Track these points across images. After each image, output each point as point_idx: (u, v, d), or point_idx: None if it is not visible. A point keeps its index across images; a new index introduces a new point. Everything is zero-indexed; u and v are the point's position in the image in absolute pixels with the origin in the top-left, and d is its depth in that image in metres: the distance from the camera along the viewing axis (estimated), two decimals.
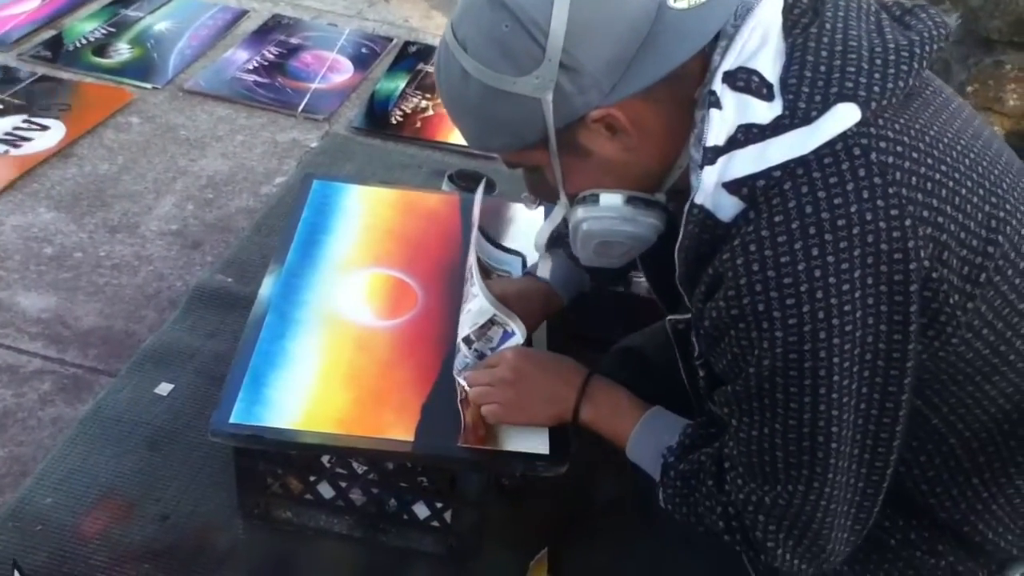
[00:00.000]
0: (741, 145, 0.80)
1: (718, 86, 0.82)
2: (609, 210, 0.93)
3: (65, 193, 1.97)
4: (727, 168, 0.81)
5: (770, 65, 0.82)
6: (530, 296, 1.27)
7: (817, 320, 0.77)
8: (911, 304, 0.78)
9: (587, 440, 1.21)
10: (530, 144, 0.91)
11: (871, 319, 0.78)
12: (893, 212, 0.77)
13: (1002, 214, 0.83)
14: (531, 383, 1.15)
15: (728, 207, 0.82)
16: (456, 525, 1.27)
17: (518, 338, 1.18)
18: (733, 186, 0.81)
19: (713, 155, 0.81)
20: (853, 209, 0.77)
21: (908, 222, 0.77)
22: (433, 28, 2.89)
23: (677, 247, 0.88)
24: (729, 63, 0.83)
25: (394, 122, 2.37)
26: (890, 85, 0.80)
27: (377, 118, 2.38)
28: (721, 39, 0.84)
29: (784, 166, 0.79)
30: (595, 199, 0.94)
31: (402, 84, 2.53)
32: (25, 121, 2.15)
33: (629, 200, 0.93)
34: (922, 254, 0.77)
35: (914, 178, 0.79)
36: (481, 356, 1.21)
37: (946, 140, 0.82)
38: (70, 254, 1.82)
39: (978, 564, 0.97)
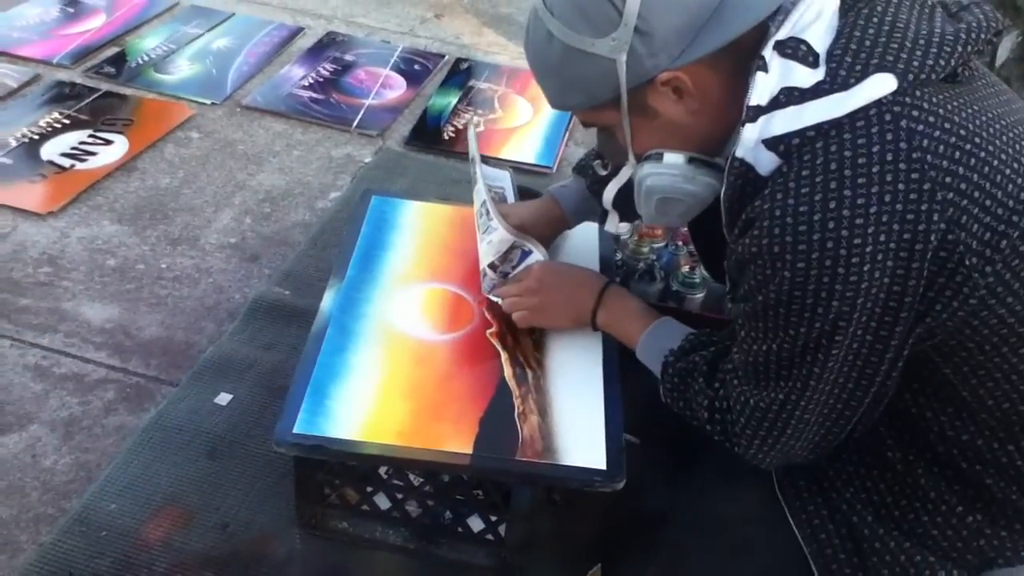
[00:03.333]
0: (782, 106, 0.87)
1: (768, 52, 0.89)
2: (672, 168, 1.01)
3: (128, 206, 2.03)
4: (767, 126, 0.88)
5: (820, 37, 0.88)
6: (541, 220, 1.42)
7: (824, 267, 0.84)
8: (916, 262, 0.84)
9: (637, 456, 1.21)
10: (603, 103, 0.99)
11: (877, 272, 0.84)
12: (914, 176, 0.83)
13: None
14: (554, 291, 1.31)
15: (766, 162, 0.89)
16: (509, 539, 1.28)
17: (536, 255, 1.34)
18: (771, 142, 0.88)
19: (755, 113, 0.88)
20: (875, 170, 0.83)
21: (927, 186, 0.83)
22: (484, 45, 2.92)
23: (721, 196, 0.96)
24: (783, 34, 0.89)
25: (446, 138, 2.39)
26: (930, 62, 0.86)
27: (429, 134, 2.41)
28: (779, 14, 0.91)
29: (818, 126, 0.85)
30: (659, 157, 1.01)
31: (454, 100, 2.56)
32: (90, 136, 2.21)
33: (691, 160, 1.00)
34: (935, 217, 0.83)
35: (941, 147, 0.84)
36: (505, 275, 1.37)
37: (983, 118, 0.87)
38: (133, 266, 1.87)
39: (1020, 537, 0.98)
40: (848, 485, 1.03)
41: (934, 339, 0.90)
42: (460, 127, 2.44)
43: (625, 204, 1.12)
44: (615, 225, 1.24)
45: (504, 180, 1.57)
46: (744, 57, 0.91)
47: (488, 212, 1.35)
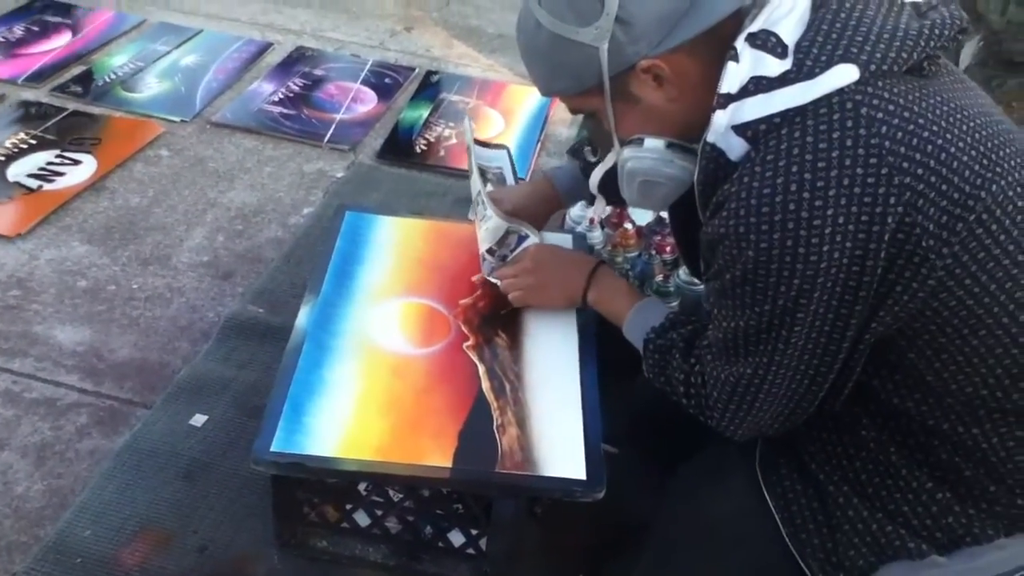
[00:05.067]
0: (751, 94, 0.92)
1: (740, 44, 0.93)
2: (651, 152, 1.06)
3: (97, 226, 2.00)
4: (737, 113, 0.92)
5: (790, 30, 0.92)
6: (535, 201, 1.48)
7: (784, 246, 0.89)
8: (873, 243, 0.87)
9: (617, 466, 1.21)
10: (588, 89, 1.03)
11: (836, 252, 0.88)
12: (872, 161, 0.87)
13: (990, 175, 0.91)
14: (548, 271, 1.37)
15: (736, 147, 0.94)
16: (491, 552, 1.27)
17: (532, 239, 1.40)
18: (740, 128, 0.93)
19: (725, 100, 0.93)
20: (835, 155, 0.87)
21: (885, 171, 0.87)
22: (455, 57, 2.92)
23: (695, 179, 1.01)
24: (756, 26, 0.93)
25: (418, 151, 2.39)
26: (892, 55, 0.90)
27: (401, 147, 2.40)
28: (755, 7, 0.95)
29: (784, 113, 0.90)
30: (640, 142, 1.06)
31: (425, 113, 2.56)
32: (58, 156, 2.19)
33: (670, 145, 1.05)
34: (892, 200, 0.87)
35: (899, 133, 0.88)
36: (504, 259, 1.42)
37: (944, 108, 0.91)
38: (104, 287, 1.84)
39: (987, 516, 1.00)
40: (825, 462, 1.06)
41: (898, 322, 0.93)
42: (432, 140, 2.44)
43: (612, 188, 1.16)
44: (602, 209, 1.28)
45: (501, 160, 1.63)
46: (721, 47, 0.95)
47: (484, 202, 1.40)
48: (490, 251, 1.42)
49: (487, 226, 1.40)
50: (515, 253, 1.41)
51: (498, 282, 1.41)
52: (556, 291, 1.37)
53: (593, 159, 1.25)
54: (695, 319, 1.17)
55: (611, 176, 1.13)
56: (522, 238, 1.40)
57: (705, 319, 1.11)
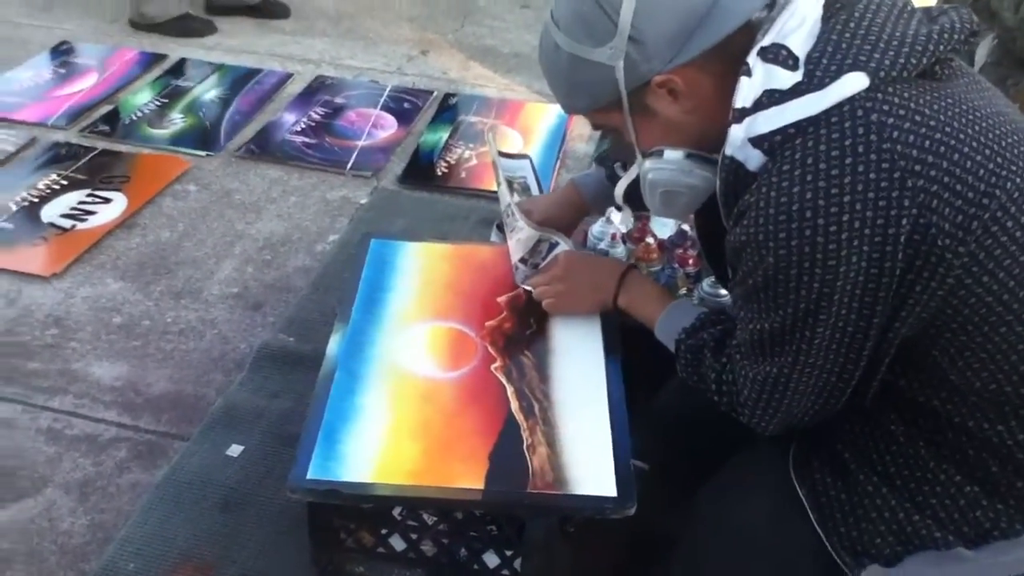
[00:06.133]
0: (765, 107, 0.94)
1: (752, 58, 0.96)
2: (671, 163, 1.10)
3: (130, 263, 2.05)
4: (752, 126, 0.95)
5: (801, 43, 0.95)
6: (563, 208, 1.53)
7: (803, 252, 0.91)
8: (889, 246, 0.89)
9: (647, 482, 1.22)
10: (607, 105, 1.08)
11: (854, 256, 0.90)
12: (884, 166, 0.89)
13: (1004, 172, 0.92)
14: (579, 277, 1.41)
15: (755, 158, 0.96)
16: (525, 573, 1.28)
17: (563, 246, 1.45)
18: (756, 141, 0.95)
19: (740, 115, 0.96)
20: (848, 162, 0.89)
21: (897, 175, 0.88)
22: (471, 79, 2.95)
23: (717, 190, 1.04)
24: (767, 40, 0.96)
25: (439, 173, 2.42)
26: (901, 61, 0.92)
27: (423, 171, 2.43)
28: (766, 23, 0.98)
29: (798, 124, 0.92)
30: (660, 153, 1.10)
31: (445, 136, 2.59)
32: (89, 195, 2.24)
33: (689, 155, 1.09)
34: (906, 203, 0.88)
35: (911, 137, 0.90)
36: (536, 267, 1.47)
37: (956, 110, 0.93)
38: (138, 322, 1.88)
39: (1015, 511, 1.01)
40: (857, 454, 1.07)
41: (921, 322, 0.94)
42: (452, 162, 2.46)
43: (636, 197, 1.19)
44: (629, 220, 1.33)
45: (525, 169, 1.71)
46: (733, 60, 0.98)
47: (514, 213, 1.45)
48: (523, 260, 1.47)
49: (519, 237, 1.45)
50: (546, 261, 1.46)
51: (531, 289, 1.45)
52: (588, 296, 1.41)
53: (623, 174, 1.28)
54: (725, 318, 1.19)
55: (635, 186, 1.17)
56: (553, 245, 1.45)
57: (735, 319, 1.14)
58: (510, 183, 1.57)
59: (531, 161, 1.69)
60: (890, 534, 1.03)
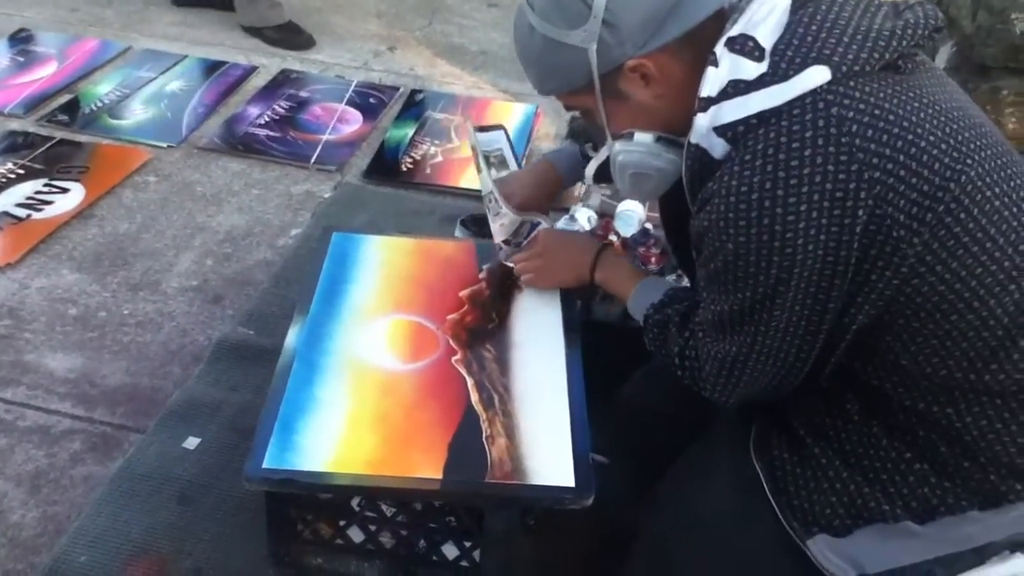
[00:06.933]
0: (729, 97, 0.96)
1: (720, 49, 0.98)
2: (641, 145, 1.13)
3: (87, 254, 2.02)
4: (717, 115, 0.97)
5: (768, 33, 0.97)
6: (538, 186, 1.55)
7: (762, 240, 0.94)
8: (846, 235, 0.92)
9: (608, 476, 1.22)
10: (580, 88, 1.10)
11: (811, 245, 0.93)
12: (843, 158, 0.91)
13: (960, 165, 0.94)
14: (557, 254, 1.46)
15: (719, 147, 0.99)
16: (484, 564, 1.28)
17: (543, 224, 1.51)
18: (720, 130, 0.98)
19: (706, 104, 0.98)
20: (807, 153, 0.92)
21: (855, 167, 0.91)
22: (438, 76, 2.95)
23: (683, 176, 1.08)
24: (735, 31, 0.98)
25: (404, 169, 2.41)
26: (864, 55, 0.94)
27: (388, 166, 2.43)
28: (736, 12, 1.00)
29: (760, 114, 0.95)
30: (630, 136, 1.13)
31: (411, 132, 2.58)
32: (46, 185, 2.20)
33: (658, 139, 1.12)
34: (863, 195, 0.91)
35: (869, 131, 0.92)
36: (518, 246, 1.52)
37: (916, 104, 0.96)
38: (94, 314, 1.86)
39: (962, 490, 1.03)
40: (813, 430, 1.10)
41: (876, 308, 0.97)
42: (418, 158, 2.46)
43: (607, 174, 1.21)
44: (598, 200, 1.40)
45: (500, 141, 1.70)
46: (703, 47, 1.01)
47: (496, 200, 1.48)
48: (505, 242, 1.52)
49: (502, 221, 1.49)
50: (528, 239, 1.51)
51: (512, 265, 1.50)
52: (566, 271, 1.45)
53: (593, 154, 1.31)
54: (692, 295, 1.22)
55: (606, 165, 1.20)
56: (534, 225, 1.52)
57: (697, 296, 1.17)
58: (487, 159, 1.60)
59: (506, 132, 1.70)
60: (841, 506, 1.06)
